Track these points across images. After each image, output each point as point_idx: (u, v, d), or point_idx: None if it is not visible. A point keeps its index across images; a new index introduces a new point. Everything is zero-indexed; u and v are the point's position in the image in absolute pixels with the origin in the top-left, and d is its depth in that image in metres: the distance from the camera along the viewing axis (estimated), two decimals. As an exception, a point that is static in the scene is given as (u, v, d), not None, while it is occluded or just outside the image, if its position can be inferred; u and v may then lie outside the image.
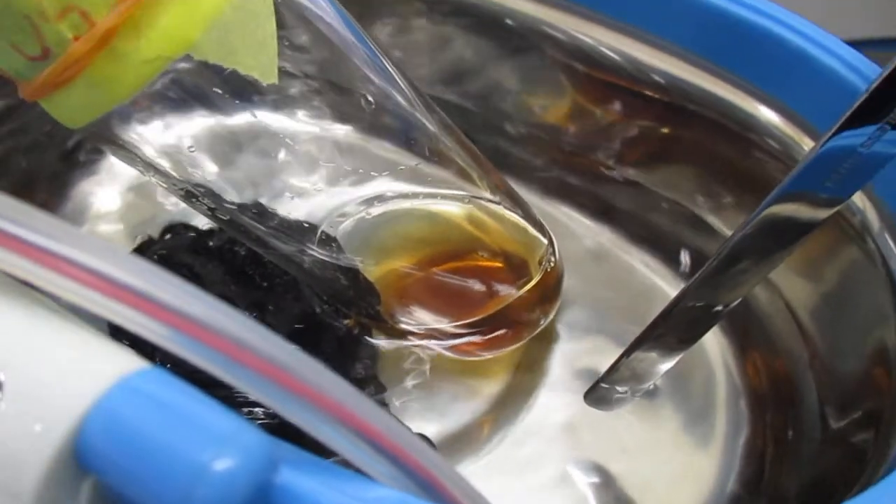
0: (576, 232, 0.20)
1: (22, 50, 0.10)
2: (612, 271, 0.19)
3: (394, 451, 0.08)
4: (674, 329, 0.15)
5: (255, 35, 0.11)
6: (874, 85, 0.13)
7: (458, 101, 0.21)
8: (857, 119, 0.13)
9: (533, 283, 0.17)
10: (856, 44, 0.15)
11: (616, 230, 0.20)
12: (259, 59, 0.11)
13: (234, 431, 0.08)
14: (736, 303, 0.15)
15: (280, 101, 0.15)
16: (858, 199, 0.15)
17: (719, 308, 0.15)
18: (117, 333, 0.09)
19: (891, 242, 0.14)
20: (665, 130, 0.19)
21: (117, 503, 0.08)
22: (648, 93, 0.18)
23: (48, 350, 0.08)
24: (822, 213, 0.14)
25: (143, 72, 0.11)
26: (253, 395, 0.08)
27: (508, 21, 0.19)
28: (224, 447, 0.08)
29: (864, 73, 0.15)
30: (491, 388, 0.17)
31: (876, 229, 0.15)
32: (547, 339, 0.18)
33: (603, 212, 0.20)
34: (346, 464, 0.09)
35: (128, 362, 0.08)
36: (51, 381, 0.08)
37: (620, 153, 0.20)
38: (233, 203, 0.15)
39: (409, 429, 0.14)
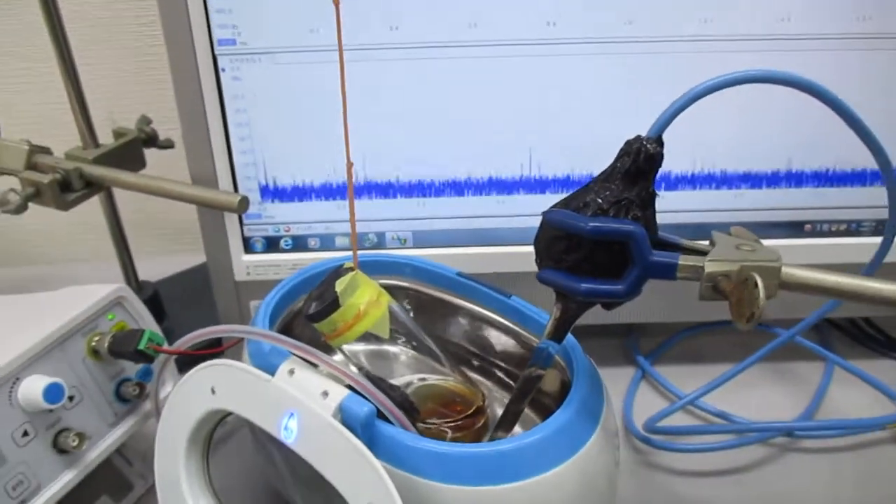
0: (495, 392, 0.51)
1: (334, 329, 0.44)
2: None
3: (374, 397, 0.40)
4: (506, 419, 0.43)
5: (384, 321, 0.44)
6: (547, 326, 0.42)
7: (460, 342, 0.54)
8: (545, 338, 0.40)
9: (474, 408, 0.48)
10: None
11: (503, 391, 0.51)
12: (384, 328, 0.44)
13: (366, 402, 0.39)
14: (525, 405, 0.44)
15: (387, 342, 0.48)
16: (558, 358, 0.45)
17: (520, 410, 0.44)
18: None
19: (571, 374, 0.45)
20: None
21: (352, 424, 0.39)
22: (523, 342, 0.50)
23: (331, 384, 0.40)
24: (542, 371, 0.41)
25: (355, 337, 0.43)
26: (366, 396, 0.40)
27: (477, 311, 0.53)
28: (365, 405, 0.39)
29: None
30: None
31: (567, 370, 0.45)
32: (483, 427, 0.48)
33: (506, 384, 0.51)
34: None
35: (345, 390, 0.40)
36: (333, 394, 0.40)
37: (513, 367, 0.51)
38: (374, 375, 0.48)
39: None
